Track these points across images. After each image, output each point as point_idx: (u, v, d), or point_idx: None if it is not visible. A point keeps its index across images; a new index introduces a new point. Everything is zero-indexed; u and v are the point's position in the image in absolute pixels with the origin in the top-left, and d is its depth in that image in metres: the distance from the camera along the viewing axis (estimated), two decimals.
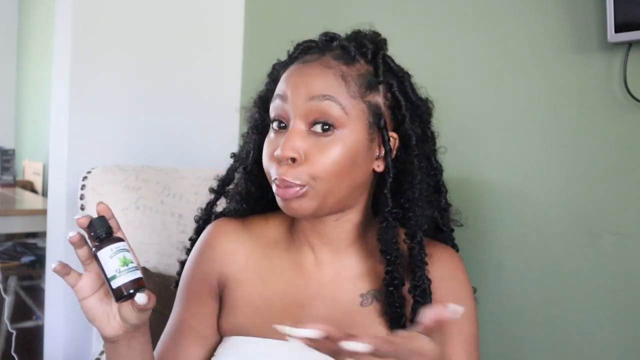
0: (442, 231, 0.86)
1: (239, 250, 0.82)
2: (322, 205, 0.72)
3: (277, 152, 0.70)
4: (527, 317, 1.06)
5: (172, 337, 0.82)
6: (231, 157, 0.88)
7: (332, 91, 0.71)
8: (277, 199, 0.73)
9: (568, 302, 1.00)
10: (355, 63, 0.75)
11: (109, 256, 0.63)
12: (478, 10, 1.15)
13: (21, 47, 4.16)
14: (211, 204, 0.90)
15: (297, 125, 0.71)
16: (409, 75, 0.79)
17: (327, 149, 0.70)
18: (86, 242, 0.66)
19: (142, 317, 0.66)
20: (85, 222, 0.65)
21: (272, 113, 0.75)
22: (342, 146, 0.70)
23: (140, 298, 0.63)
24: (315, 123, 0.70)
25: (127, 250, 0.65)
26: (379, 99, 0.75)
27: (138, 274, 0.64)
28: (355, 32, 0.80)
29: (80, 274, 0.67)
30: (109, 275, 0.63)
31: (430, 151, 0.81)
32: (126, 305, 0.66)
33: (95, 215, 0.66)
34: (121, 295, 0.63)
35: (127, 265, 0.63)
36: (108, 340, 0.68)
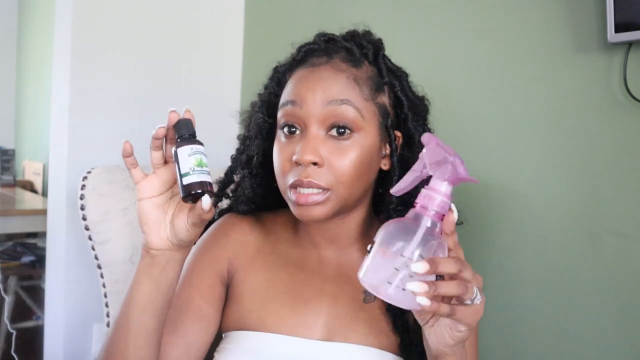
0: None
1: (250, 243, 0.83)
2: (340, 210, 0.73)
3: (297, 157, 0.70)
4: (527, 317, 1.06)
5: (171, 313, 0.76)
6: (233, 160, 0.87)
7: (348, 95, 0.71)
8: (292, 206, 0.73)
9: (569, 302, 1.00)
10: (362, 65, 0.75)
11: (187, 154, 0.62)
12: (478, 11, 1.15)
13: (21, 47, 4.16)
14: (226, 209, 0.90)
15: (315, 129, 0.71)
16: (406, 75, 0.80)
17: (346, 153, 0.70)
18: (162, 145, 0.66)
19: (192, 233, 0.65)
20: (175, 118, 0.64)
21: (283, 119, 0.74)
22: (361, 149, 0.71)
23: (206, 200, 0.61)
24: (332, 127, 0.71)
25: (205, 155, 0.64)
26: (385, 99, 0.76)
27: (209, 179, 0.63)
28: (352, 33, 0.80)
29: (145, 173, 0.66)
30: (182, 172, 0.62)
31: None
32: (181, 217, 0.64)
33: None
34: (189, 192, 0.61)
35: (201, 167, 0.63)
36: (149, 253, 0.65)
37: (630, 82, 0.91)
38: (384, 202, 0.80)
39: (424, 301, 0.52)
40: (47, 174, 2.47)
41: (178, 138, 0.64)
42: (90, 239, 1.20)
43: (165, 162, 0.66)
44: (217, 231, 0.85)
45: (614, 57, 0.93)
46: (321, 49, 0.77)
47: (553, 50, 1.02)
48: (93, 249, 1.20)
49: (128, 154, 0.66)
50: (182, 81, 1.73)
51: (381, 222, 0.77)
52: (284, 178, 0.73)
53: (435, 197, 0.54)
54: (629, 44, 0.90)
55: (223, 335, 0.82)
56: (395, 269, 0.53)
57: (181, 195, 0.63)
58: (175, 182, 0.66)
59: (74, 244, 1.52)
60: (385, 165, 0.77)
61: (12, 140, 4.17)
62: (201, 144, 0.65)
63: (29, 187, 3.50)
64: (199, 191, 0.62)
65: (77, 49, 1.52)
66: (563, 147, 1.01)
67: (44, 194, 3.26)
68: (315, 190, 0.70)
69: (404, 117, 0.77)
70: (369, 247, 0.58)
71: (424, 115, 0.81)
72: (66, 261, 1.52)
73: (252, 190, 0.83)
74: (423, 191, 0.56)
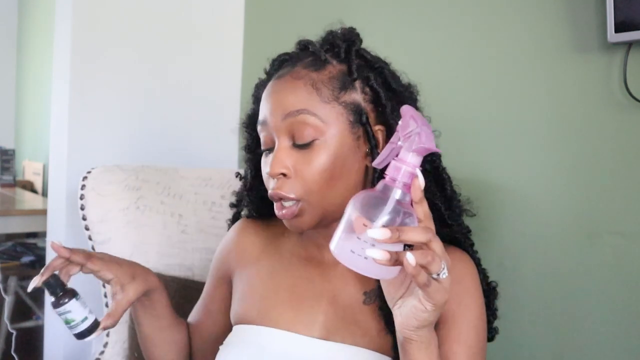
0: (448, 225, 0.80)
1: (255, 245, 0.88)
2: (323, 216, 0.74)
3: (266, 171, 0.74)
4: (527, 317, 1.06)
5: (198, 309, 0.96)
6: (236, 176, 0.94)
7: (304, 103, 0.72)
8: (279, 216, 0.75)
9: (568, 302, 1.00)
10: (327, 66, 0.75)
11: (59, 315, 0.80)
12: (478, 11, 1.15)
13: (21, 47, 4.16)
14: (236, 215, 0.96)
15: (282, 142, 0.73)
16: (386, 64, 0.79)
17: (313, 159, 0.71)
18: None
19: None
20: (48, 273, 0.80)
21: (260, 136, 0.78)
22: (327, 153, 0.71)
23: (98, 333, 0.83)
24: (295, 138, 0.72)
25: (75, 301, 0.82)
26: (356, 96, 0.74)
27: (86, 324, 0.81)
28: (327, 33, 0.80)
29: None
30: (66, 327, 0.81)
31: None
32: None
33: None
34: (79, 339, 0.82)
35: (70, 323, 0.80)
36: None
37: (630, 82, 0.91)
38: None
39: (381, 255, 0.52)
40: (47, 174, 2.47)
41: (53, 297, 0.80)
42: (90, 239, 1.20)
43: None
44: (227, 235, 0.94)
45: (614, 57, 0.93)
46: (289, 59, 0.79)
47: (553, 50, 1.02)
48: (93, 249, 1.20)
49: None
50: (182, 81, 1.73)
51: None
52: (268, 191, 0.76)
53: (402, 167, 0.55)
54: (629, 44, 0.90)
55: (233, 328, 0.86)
56: (358, 238, 0.53)
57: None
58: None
59: (74, 244, 1.51)
60: (369, 162, 0.76)
61: (12, 140, 4.17)
62: (69, 296, 0.81)
63: (29, 187, 3.50)
64: (84, 338, 0.82)
65: (77, 49, 1.52)
66: (563, 147, 1.01)
67: (44, 194, 3.26)
68: (289, 203, 0.72)
69: (381, 110, 0.75)
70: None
71: (411, 104, 0.77)
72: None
73: (251, 201, 0.89)
74: (392, 163, 0.56)
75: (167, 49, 1.70)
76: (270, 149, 0.75)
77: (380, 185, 0.56)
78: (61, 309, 0.77)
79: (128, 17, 1.61)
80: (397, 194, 0.55)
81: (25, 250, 2.71)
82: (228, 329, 0.85)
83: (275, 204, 0.74)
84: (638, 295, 0.92)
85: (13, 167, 3.48)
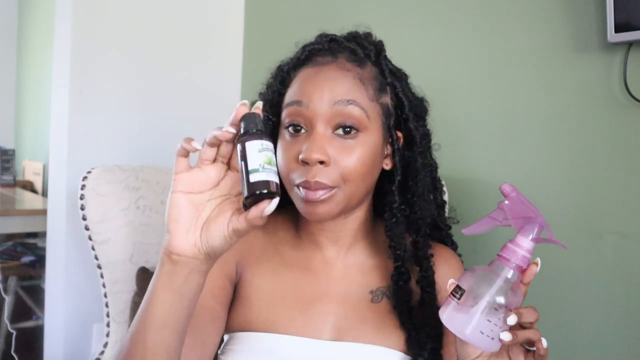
0: (440, 229, 0.87)
1: (256, 244, 0.83)
2: (345, 208, 0.73)
3: (304, 155, 0.69)
4: None
5: (196, 318, 0.75)
6: None
7: (354, 95, 0.72)
8: (300, 203, 0.72)
9: (568, 302, 1.00)
10: (366, 65, 0.76)
11: (257, 149, 0.55)
12: (478, 11, 1.15)
13: (21, 47, 4.16)
14: None
15: (321, 128, 0.71)
16: (406, 76, 0.81)
17: (353, 151, 0.71)
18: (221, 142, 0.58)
19: (229, 241, 0.57)
20: (243, 111, 0.56)
21: (288, 118, 0.74)
22: (366, 148, 0.72)
23: (273, 204, 0.54)
24: (339, 127, 0.71)
25: (275, 154, 0.57)
26: (387, 99, 0.76)
27: (278, 180, 0.56)
28: (353, 34, 0.80)
29: (190, 166, 0.59)
30: (250, 168, 0.55)
31: (427, 148, 0.82)
32: (220, 221, 0.57)
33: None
34: (255, 191, 0.54)
35: (271, 165, 0.55)
36: (170, 258, 0.57)
37: (630, 82, 0.91)
38: (384, 201, 0.80)
39: (509, 338, 0.58)
40: (47, 174, 2.47)
41: (245, 132, 0.56)
42: (90, 239, 1.20)
43: (214, 160, 0.59)
44: None
45: (614, 57, 0.93)
46: (325, 49, 0.77)
47: (553, 50, 1.02)
48: (93, 249, 1.20)
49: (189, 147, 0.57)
50: (182, 81, 1.73)
51: (381, 221, 0.80)
52: (290, 177, 0.72)
53: (519, 252, 0.61)
54: (629, 44, 0.90)
55: (225, 336, 0.82)
56: (488, 320, 0.58)
57: (244, 195, 0.55)
58: (217, 184, 0.59)
59: (74, 244, 1.52)
60: (387, 165, 0.78)
61: (12, 140, 4.17)
62: (271, 141, 0.57)
63: (29, 187, 3.50)
64: (265, 191, 0.54)
65: (77, 49, 1.52)
66: (563, 146, 1.01)
67: (44, 194, 3.26)
68: (321, 192, 0.70)
69: (405, 118, 0.77)
70: (450, 288, 0.61)
71: (424, 117, 0.81)
72: (66, 261, 1.52)
73: None
74: (509, 245, 0.62)
75: (167, 48, 1.70)
76: (298, 127, 0.72)
77: (495, 265, 0.62)
78: (269, 143, 0.56)
79: (128, 17, 1.61)
80: (509, 273, 0.60)
81: (25, 250, 2.71)
82: (220, 341, 0.78)
83: (299, 188, 0.70)
84: (638, 295, 0.92)
85: (13, 167, 3.47)
